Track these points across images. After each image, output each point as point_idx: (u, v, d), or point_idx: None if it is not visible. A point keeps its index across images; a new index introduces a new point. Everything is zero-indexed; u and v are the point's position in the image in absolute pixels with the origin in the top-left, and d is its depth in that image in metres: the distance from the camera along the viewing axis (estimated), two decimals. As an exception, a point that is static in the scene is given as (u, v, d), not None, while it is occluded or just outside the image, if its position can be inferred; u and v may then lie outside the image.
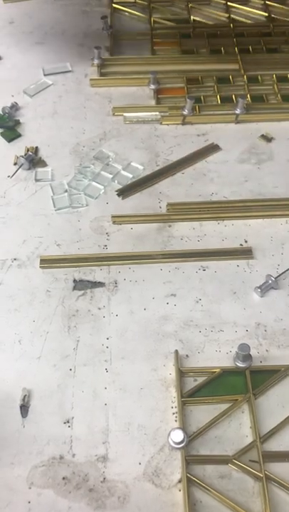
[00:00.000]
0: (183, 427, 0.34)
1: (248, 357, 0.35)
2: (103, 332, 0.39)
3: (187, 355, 0.38)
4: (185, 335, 0.39)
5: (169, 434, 0.32)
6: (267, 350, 0.38)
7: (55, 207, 0.46)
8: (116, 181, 0.48)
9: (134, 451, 0.34)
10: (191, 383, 0.36)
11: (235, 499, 0.32)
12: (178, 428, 0.32)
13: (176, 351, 0.37)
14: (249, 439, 0.34)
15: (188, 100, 0.53)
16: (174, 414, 0.35)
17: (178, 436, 0.32)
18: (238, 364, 0.36)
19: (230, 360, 0.37)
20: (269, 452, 0.33)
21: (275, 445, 0.34)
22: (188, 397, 0.35)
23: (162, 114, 0.54)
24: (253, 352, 0.37)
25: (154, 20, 0.64)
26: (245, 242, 0.44)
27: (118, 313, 0.40)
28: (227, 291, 0.41)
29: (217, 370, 0.36)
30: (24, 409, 0.35)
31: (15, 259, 0.42)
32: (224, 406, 0.35)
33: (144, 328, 0.39)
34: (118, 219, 0.45)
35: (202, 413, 0.35)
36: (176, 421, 0.35)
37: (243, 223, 0.45)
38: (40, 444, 0.34)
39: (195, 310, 0.40)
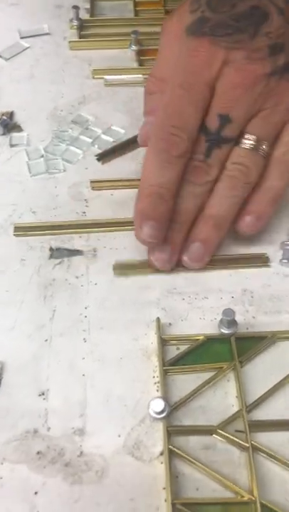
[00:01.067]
0: (165, 397, 0.32)
1: (232, 323, 0.33)
2: (81, 301, 0.37)
3: (170, 323, 0.36)
4: (168, 303, 0.37)
5: (149, 404, 0.31)
6: (254, 317, 0.36)
7: (30, 173, 0.44)
8: (96, 146, 0.46)
9: (114, 423, 0.32)
10: (174, 352, 0.34)
11: (220, 471, 0.30)
12: (158, 397, 0.30)
13: (158, 319, 0.35)
14: (235, 409, 0.32)
15: (171, 61, 0.50)
16: (155, 384, 0.33)
17: (158, 405, 0.30)
18: (222, 330, 0.34)
19: (215, 327, 0.35)
20: (255, 422, 0.32)
21: (262, 414, 0.32)
22: (170, 366, 0.33)
23: (145, 76, 0.51)
24: (239, 319, 0.35)
25: (136, -20, 0.61)
26: (231, 206, 0.42)
27: (97, 281, 0.38)
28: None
29: (201, 337, 0.34)
30: (-4, 381, 0.33)
31: (-13, 227, 0.40)
32: (209, 375, 0.33)
33: (125, 297, 0.37)
34: (97, 184, 0.43)
35: (185, 382, 0.33)
36: (157, 391, 0.33)
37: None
38: (14, 418, 0.32)
39: (179, 277, 0.38)
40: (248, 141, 0.34)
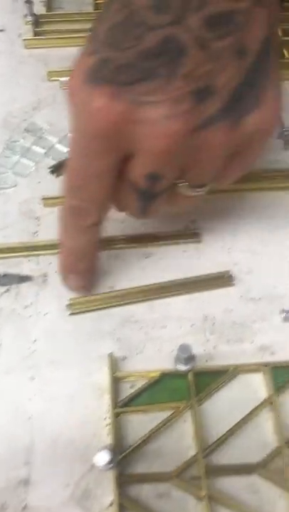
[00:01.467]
0: (114, 443, 0.30)
1: (190, 359, 0.31)
2: (29, 334, 0.34)
3: (125, 357, 0.33)
4: (124, 333, 0.34)
5: (94, 456, 0.28)
6: (214, 347, 0.34)
7: (-22, 189, 0.40)
8: (50, 157, 0.43)
9: (61, 471, 0.30)
10: (128, 390, 0.32)
11: (175, 522, 0.28)
12: (103, 449, 0.28)
13: (111, 355, 0.33)
14: (192, 452, 0.30)
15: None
16: (107, 426, 0.31)
17: (103, 458, 0.27)
18: (179, 367, 0.31)
19: (173, 360, 0.33)
20: (213, 467, 0.29)
21: (222, 457, 0.30)
22: (123, 407, 0.31)
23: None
24: (198, 350, 0.33)
25: None
26: (192, 222, 0.39)
27: (47, 311, 0.35)
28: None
29: (156, 373, 0.32)
30: None
31: None
32: (166, 414, 0.31)
33: (78, 328, 0.34)
34: (50, 201, 0.40)
35: (140, 424, 0.31)
36: (108, 435, 0.30)
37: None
38: None
39: (136, 304, 0.36)
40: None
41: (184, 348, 0.31)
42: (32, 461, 0.30)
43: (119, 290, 0.36)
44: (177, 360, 0.32)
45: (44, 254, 0.37)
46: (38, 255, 0.37)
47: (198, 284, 0.36)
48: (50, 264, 0.37)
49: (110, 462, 0.28)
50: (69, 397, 0.32)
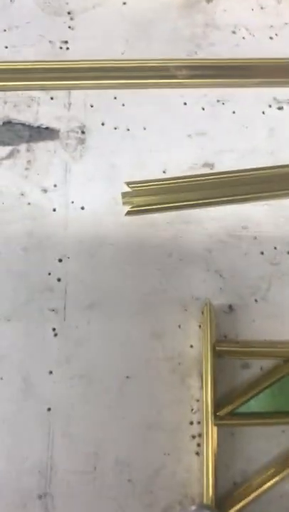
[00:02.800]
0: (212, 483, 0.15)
1: None
2: (56, 250, 0.18)
3: (231, 307, 0.17)
4: (225, 259, 0.18)
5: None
6: None
7: None
8: None
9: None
10: (237, 372, 0.17)
11: None
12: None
13: (208, 303, 0.17)
14: None
15: None
16: (194, 438, 0.16)
17: None
18: None
19: None
20: None
21: None
22: (231, 413, 0.16)
23: None
24: None
25: None
26: None
27: (83, 203, 0.18)
28: None
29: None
30: None
31: None
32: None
33: (138, 234, 0.18)
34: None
35: (258, 440, 0.16)
36: (197, 454, 0.16)
37: None
38: None
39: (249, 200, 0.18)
40: None
41: None
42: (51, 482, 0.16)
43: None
44: None
45: (81, 87, 0.19)
46: (70, 87, 0.19)
47: None
48: (91, 107, 0.19)
49: None
50: (122, 378, 0.17)
